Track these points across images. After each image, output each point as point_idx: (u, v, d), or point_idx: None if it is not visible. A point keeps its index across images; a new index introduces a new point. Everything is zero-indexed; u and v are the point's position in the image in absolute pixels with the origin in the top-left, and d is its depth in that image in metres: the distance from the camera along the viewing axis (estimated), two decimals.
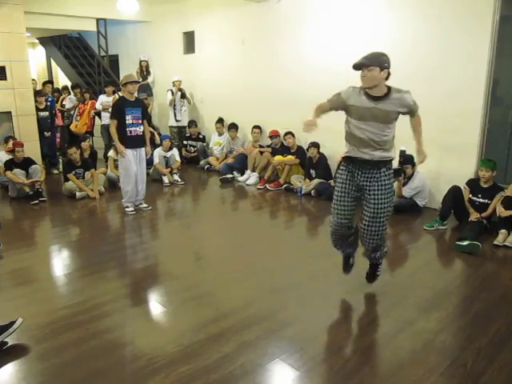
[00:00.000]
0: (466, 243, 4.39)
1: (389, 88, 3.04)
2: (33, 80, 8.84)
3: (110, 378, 2.60)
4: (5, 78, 7.26)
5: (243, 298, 3.52)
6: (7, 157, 6.75)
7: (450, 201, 5.05)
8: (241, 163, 7.79)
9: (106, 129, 8.58)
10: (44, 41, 11.38)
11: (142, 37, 10.20)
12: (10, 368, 2.71)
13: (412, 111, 3.16)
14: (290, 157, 7.06)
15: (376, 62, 2.93)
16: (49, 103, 8.25)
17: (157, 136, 8.10)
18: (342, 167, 3.30)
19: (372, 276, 3.55)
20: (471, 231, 4.61)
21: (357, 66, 3.00)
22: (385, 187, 3.15)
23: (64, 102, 9.60)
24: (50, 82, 9.54)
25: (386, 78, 3.00)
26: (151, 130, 8.23)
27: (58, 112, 8.97)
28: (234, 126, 8.19)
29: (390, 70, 2.99)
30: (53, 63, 12.22)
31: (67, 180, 6.62)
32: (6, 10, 7.08)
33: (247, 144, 8.13)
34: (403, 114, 3.13)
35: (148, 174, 6.65)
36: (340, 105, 3.21)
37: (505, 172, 5.36)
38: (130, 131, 5.61)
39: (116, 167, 6.75)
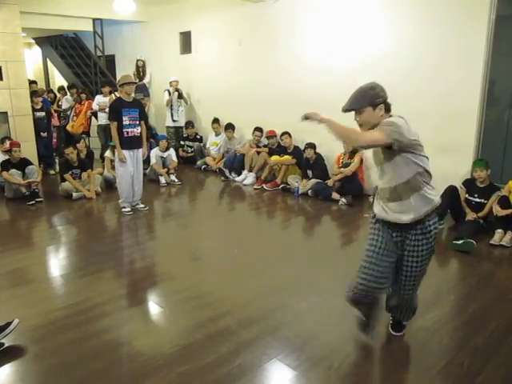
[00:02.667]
0: (461, 242, 4.41)
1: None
2: (33, 81, 8.84)
3: (108, 378, 2.60)
4: (1, 79, 7.24)
5: (241, 298, 3.52)
6: (3, 157, 6.73)
7: (446, 200, 5.05)
8: (238, 163, 7.78)
9: (102, 129, 8.57)
10: (40, 41, 11.35)
11: (139, 37, 10.18)
12: (7, 369, 2.70)
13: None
14: (286, 157, 7.06)
15: (366, 102, 2.41)
16: (43, 103, 8.22)
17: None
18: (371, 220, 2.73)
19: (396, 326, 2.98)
20: (467, 231, 4.63)
21: (346, 111, 2.47)
22: (422, 245, 2.55)
23: (60, 103, 9.59)
24: (34, 81, 9.47)
25: (387, 111, 2.46)
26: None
27: (53, 112, 8.95)
28: (230, 127, 8.19)
29: (388, 100, 2.45)
30: (49, 63, 12.18)
31: (64, 180, 6.60)
32: (2, 9, 7.05)
33: (244, 143, 8.13)
34: (390, 147, 2.36)
35: (145, 174, 6.65)
36: None
37: (501, 172, 5.38)
38: (127, 132, 5.59)
39: (113, 168, 6.74)
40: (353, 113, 2.47)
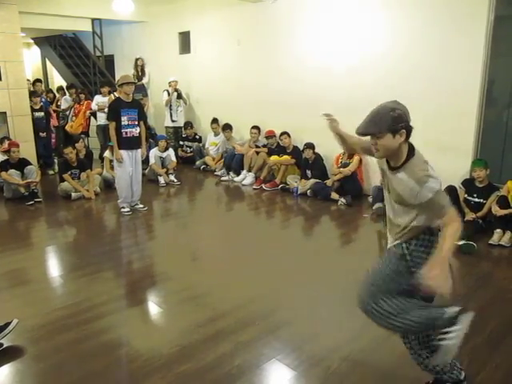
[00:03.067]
0: (461, 243, 4.41)
1: (407, 158, 2.12)
2: (27, 80, 8.82)
3: (107, 378, 2.60)
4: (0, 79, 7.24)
5: (240, 298, 3.52)
6: (2, 157, 6.72)
7: None
8: (237, 163, 7.79)
9: (101, 129, 8.56)
10: (39, 41, 11.33)
11: (138, 37, 10.18)
12: (6, 369, 2.70)
13: (426, 211, 2.11)
14: (285, 157, 7.06)
15: (385, 127, 2.02)
16: (42, 103, 8.23)
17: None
18: None
19: None
20: (466, 231, 4.62)
21: (361, 135, 2.14)
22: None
23: (59, 103, 9.58)
24: (40, 80, 9.43)
25: (407, 139, 2.09)
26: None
27: (52, 112, 8.94)
28: (228, 127, 8.19)
29: (409, 125, 2.08)
30: (48, 63, 12.17)
31: (63, 180, 6.59)
32: (0, 9, 7.04)
33: (243, 142, 8.13)
34: (420, 210, 2.13)
35: (144, 174, 6.65)
36: (367, 146, 2.29)
37: (500, 172, 5.39)
38: (126, 132, 5.59)
39: (112, 168, 6.74)
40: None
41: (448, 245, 2.03)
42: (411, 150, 2.13)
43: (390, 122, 2.02)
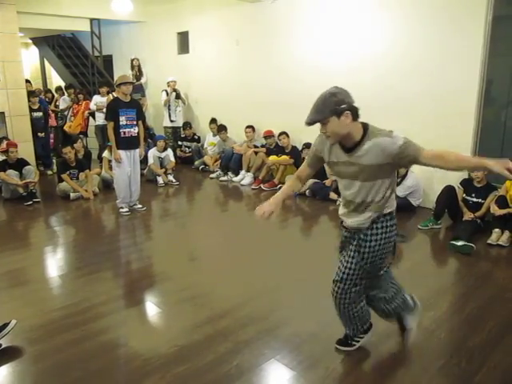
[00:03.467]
0: (460, 243, 4.40)
1: (364, 132, 2.27)
2: (26, 81, 8.79)
3: (105, 378, 2.60)
4: None
5: (238, 298, 3.52)
6: (0, 158, 6.71)
7: (443, 200, 5.07)
8: (236, 163, 7.79)
9: (100, 129, 8.56)
10: (37, 41, 11.33)
11: (136, 37, 10.18)
12: (4, 370, 2.69)
13: (406, 158, 2.18)
14: (284, 157, 7.07)
15: (327, 111, 2.19)
16: (39, 103, 8.21)
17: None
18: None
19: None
20: (465, 230, 4.63)
21: (309, 124, 2.26)
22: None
23: (58, 103, 9.57)
24: (28, 80, 9.37)
25: (355, 119, 2.23)
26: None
27: (50, 112, 8.93)
28: (223, 128, 8.19)
29: (355, 105, 2.22)
30: (46, 63, 12.16)
31: (61, 181, 6.59)
32: None
33: (242, 143, 8.13)
34: (398, 166, 2.38)
35: (142, 174, 6.64)
36: (316, 161, 2.56)
37: None
38: (124, 132, 5.59)
39: (111, 168, 6.73)
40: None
41: (468, 158, 2.32)
42: (365, 126, 2.28)
43: (332, 106, 2.18)
